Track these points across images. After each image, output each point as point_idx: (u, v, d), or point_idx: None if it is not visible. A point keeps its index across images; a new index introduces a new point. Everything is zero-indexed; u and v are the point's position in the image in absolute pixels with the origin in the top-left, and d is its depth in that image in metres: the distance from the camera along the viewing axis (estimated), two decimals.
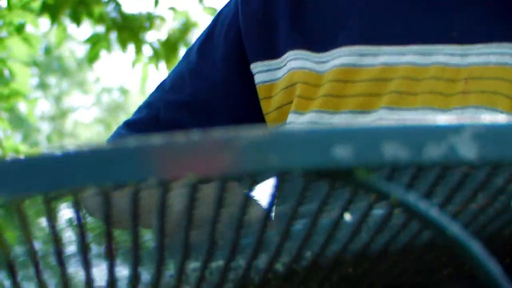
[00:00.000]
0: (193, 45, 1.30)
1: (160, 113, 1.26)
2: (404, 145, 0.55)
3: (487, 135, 0.57)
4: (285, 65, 1.17)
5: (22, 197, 0.53)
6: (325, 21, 1.18)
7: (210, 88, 1.22)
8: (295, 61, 1.16)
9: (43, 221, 0.65)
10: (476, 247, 0.58)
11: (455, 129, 0.56)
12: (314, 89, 1.14)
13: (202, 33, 1.29)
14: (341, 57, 1.14)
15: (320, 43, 1.17)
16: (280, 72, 1.18)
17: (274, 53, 1.19)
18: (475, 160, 0.56)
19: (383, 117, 1.09)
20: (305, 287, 0.92)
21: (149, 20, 5.76)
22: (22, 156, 0.51)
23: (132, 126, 1.29)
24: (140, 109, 1.31)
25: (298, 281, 0.89)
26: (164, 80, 1.34)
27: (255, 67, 1.19)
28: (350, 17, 1.17)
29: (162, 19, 5.82)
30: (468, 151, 0.56)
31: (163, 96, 1.28)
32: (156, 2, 5.71)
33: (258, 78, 1.18)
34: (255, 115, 1.20)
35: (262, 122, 1.19)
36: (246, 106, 1.20)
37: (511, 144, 0.58)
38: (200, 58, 1.24)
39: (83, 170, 0.51)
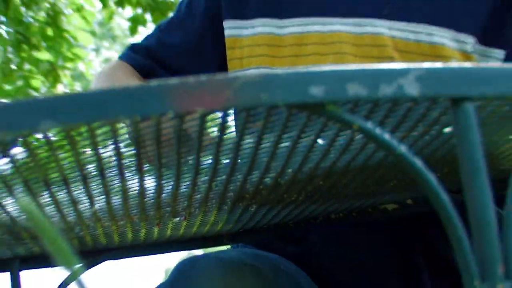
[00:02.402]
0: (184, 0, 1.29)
1: (151, 44, 1.26)
2: (364, 84, 0.53)
3: (427, 76, 0.55)
4: (252, 27, 1.15)
5: (72, 125, 0.51)
6: None
7: (187, 35, 1.22)
8: (263, 27, 1.14)
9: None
10: (418, 163, 0.57)
11: (403, 72, 0.54)
12: (277, 49, 1.12)
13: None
14: (299, 26, 1.12)
15: (283, 11, 1.14)
16: (246, 32, 1.16)
17: (244, 15, 1.17)
18: (418, 97, 0.55)
19: None
20: (287, 196, 0.91)
21: (173, 4, 5.72)
22: (70, 92, 0.49)
23: (134, 48, 1.29)
24: (144, 37, 1.32)
25: (282, 191, 0.88)
26: (163, 22, 1.34)
27: (227, 23, 1.17)
28: None
29: None
30: (412, 89, 0.55)
31: (157, 34, 1.29)
32: None
33: (227, 32, 1.17)
34: (216, 60, 1.21)
35: (221, 66, 1.20)
36: (211, 53, 1.20)
37: (446, 83, 0.56)
38: (186, 11, 1.23)
39: (115, 105, 0.49)
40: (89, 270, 1.19)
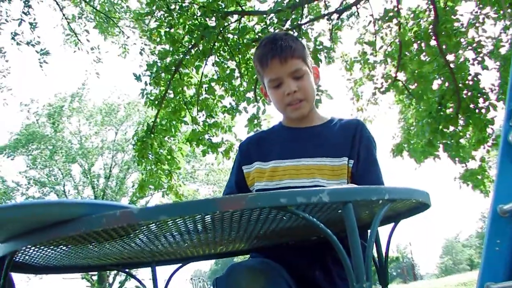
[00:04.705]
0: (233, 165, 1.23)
1: (228, 181, 1.18)
2: (304, 197, 0.50)
3: (332, 192, 0.51)
4: (254, 167, 1.10)
5: (171, 218, 0.47)
6: (266, 150, 1.11)
7: (234, 174, 1.14)
8: (258, 166, 1.09)
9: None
10: (328, 231, 0.52)
11: (321, 191, 0.51)
12: (263, 174, 1.07)
13: (234, 161, 1.22)
14: (271, 165, 1.07)
15: (265, 158, 1.09)
16: (251, 170, 1.11)
17: (250, 163, 1.11)
18: (328, 202, 0.52)
19: (288, 182, 1.03)
20: (270, 237, 0.85)
21: (222, 143, 4.98)
22: (168, 203, 0.45)
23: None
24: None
25: (268, 235, 0.82)
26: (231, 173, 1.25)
27: (244, 167, 1.12)
28: (275, 148, 1.10)
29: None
30: (326, 198, 0.51)
31: (230, 177, 1.20)
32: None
33: (245, 171, 1.12)
34: (246, 184, 1.12)
35: (247, 185, 1.14)
36: (243, 182, 1.11)
37: (340, 195, 0.52)
38: (232, 170, 1.17)
39: (192, 209, 0.45)
40: (184, 266, 1.12)
